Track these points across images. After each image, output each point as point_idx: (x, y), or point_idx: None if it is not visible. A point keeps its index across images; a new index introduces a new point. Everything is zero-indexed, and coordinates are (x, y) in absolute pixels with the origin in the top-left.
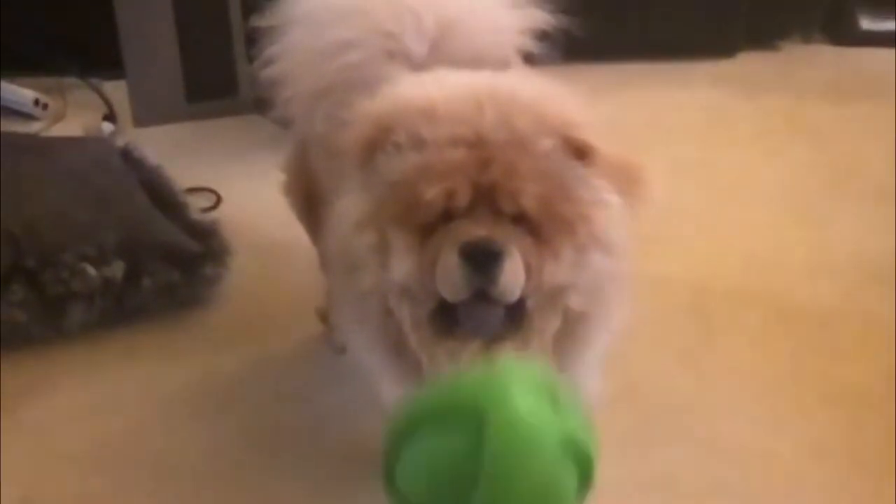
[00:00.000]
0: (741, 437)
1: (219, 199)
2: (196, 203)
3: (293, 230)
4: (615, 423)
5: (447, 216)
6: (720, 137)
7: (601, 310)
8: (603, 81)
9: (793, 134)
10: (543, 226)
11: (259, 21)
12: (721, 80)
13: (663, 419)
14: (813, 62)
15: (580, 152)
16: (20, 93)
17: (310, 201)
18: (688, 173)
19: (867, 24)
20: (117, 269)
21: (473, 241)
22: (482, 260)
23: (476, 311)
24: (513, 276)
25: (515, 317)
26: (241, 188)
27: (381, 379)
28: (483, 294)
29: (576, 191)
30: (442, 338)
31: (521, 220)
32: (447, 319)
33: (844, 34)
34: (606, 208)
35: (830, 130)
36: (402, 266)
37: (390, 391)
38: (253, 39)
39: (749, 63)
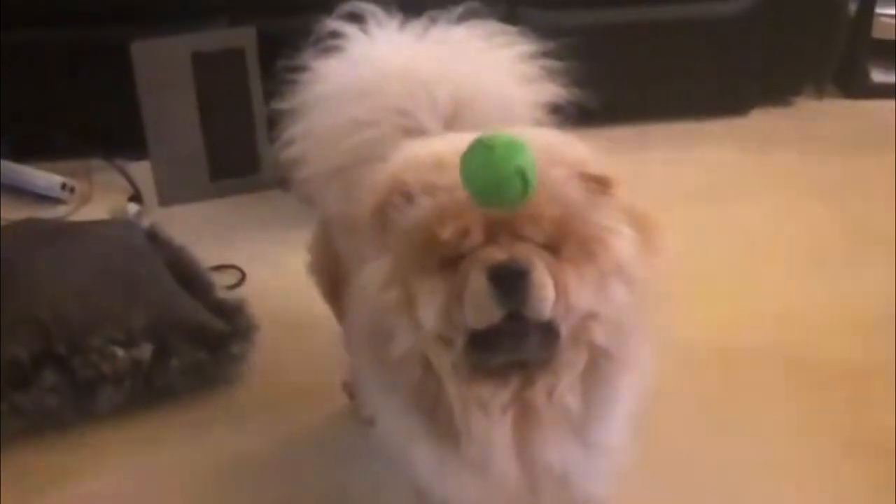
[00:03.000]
0: (767, 495)
1: (243, 276)
2: (221, 280)
3: (317, 305)
4: (641, 482)
5: (464, 253)
6: (736, 195)
7: (625, 350)
8: (616, 143)
9: (809, 189)
10: (564, 248)
11: (279, 104)
12: (736, 138)
13: (689, 477)
14: (827, 116)
15: (595, 182)
16: (48, 178)
17: (334, 280)
18: (705, 232)
19: (878, 76)
20: (145, 351)
21: (499, 263)
22: (511, 281)
23: (510, 330)
24: (542, 290)
25: (547, 340)
26: (266, 264)
27: (414, 447)
28: (515, 316)
29: (592, 215)
30: (479, 376)
31: (541, 245)
32: (482, 352)
33: (857, 87)
34: (623, 237)
35: (847, 184)
36: (429, 311)
37: (424, 459)
38: (274, 121)
39: (763, 119)
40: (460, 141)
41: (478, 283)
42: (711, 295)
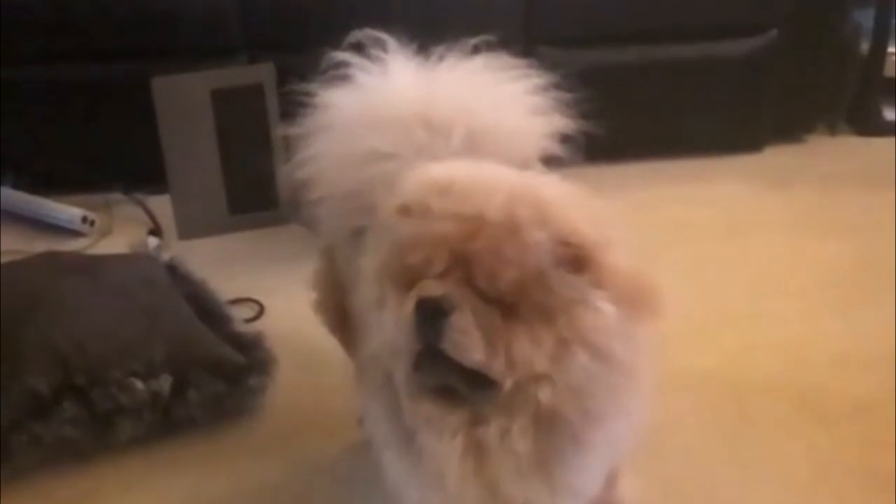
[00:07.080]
0: None
1: (262, 309)
2: (240, 313)
3: (334, 338)
4: None
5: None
6: (749, 230)
7: (587, 417)
8: (628, 180)
9: (822, 224)
10: (520, 309)
11: (291, 130)
12: (748, 175)
13: None
14: (839, 154)
15: (573, 261)
16: (69, 211)
17: (341, 313)
18: (718, 267)
19: (890, 114)
20: (164, 383)
21: (428, 296)
22: (429, 316)
23: (430, 361)
24: (461, 334)
25: (477, 385)
26: (283, 297)
27: (386, 453)
28: (436, 350)
29: (558, 287)
30: (425, 395)
31: (496, 300)
32: (416, 371)
33: (869, 125)
34: (595, 312)
35: (859, 221)
36: (388, 322)
37: (394, 466)
38: (290, 150)
39: (776, 156)
40: (480, 170)
41: (407, 309)
42: (725, 329)
